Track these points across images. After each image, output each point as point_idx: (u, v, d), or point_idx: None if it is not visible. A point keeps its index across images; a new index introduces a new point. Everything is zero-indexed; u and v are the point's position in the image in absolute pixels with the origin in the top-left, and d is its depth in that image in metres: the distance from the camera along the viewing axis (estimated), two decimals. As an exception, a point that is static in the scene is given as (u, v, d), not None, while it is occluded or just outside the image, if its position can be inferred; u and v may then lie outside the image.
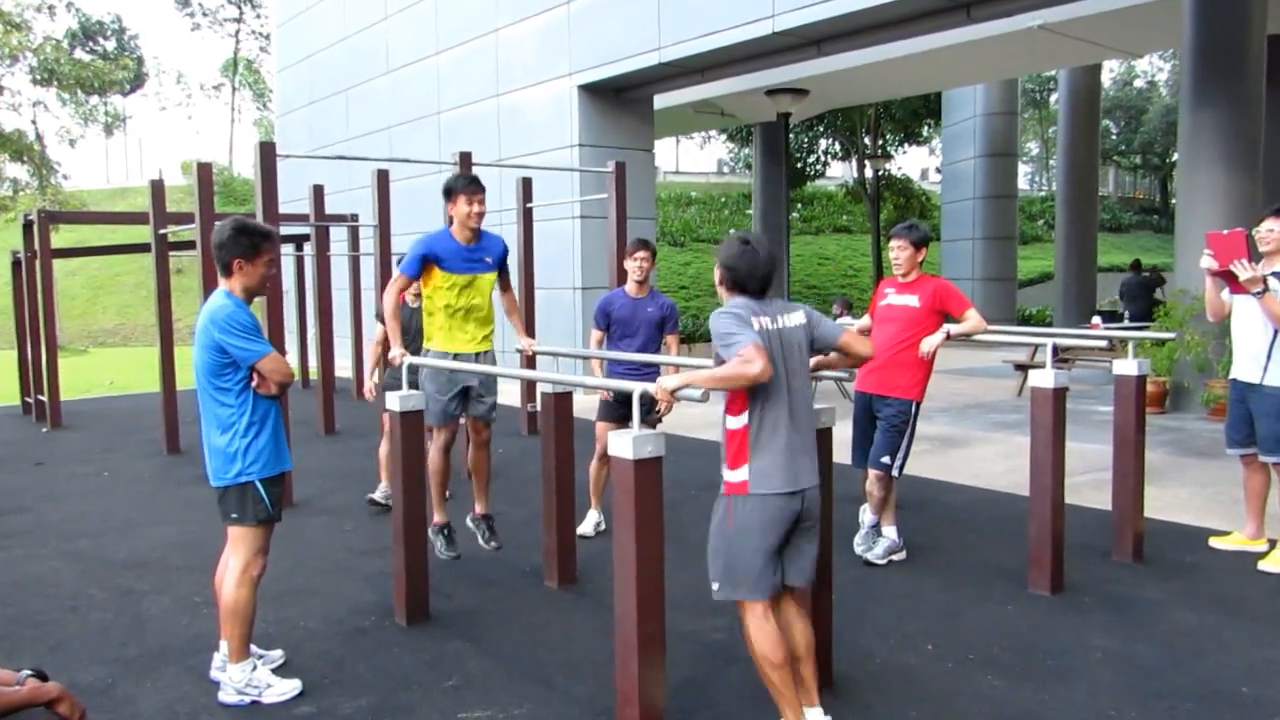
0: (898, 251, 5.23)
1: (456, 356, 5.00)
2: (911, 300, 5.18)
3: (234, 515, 3.70)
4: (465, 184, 4.95)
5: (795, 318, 3.29)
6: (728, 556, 3.22)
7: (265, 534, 3.77)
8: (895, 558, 5.32)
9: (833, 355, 3.48)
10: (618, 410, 5.63)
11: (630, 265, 5.79)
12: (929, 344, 5.08)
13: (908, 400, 5.17)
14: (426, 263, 4.96)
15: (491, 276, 5.15)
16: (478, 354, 5.10)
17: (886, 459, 5.18)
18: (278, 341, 6.88)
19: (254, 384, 3.67)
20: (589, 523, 5.85)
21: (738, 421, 3.17)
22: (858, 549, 5.29)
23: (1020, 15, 10.56)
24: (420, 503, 4.59)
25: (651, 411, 4.95)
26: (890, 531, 5.36)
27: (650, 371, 5.45)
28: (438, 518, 5.23)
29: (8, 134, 24.52)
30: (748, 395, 3.15)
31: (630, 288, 5.80)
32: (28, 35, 23.83)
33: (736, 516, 3.18)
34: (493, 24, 14.35)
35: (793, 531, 3.23)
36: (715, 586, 3.28)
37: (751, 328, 3.09)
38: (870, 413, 5.32)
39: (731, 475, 3.19)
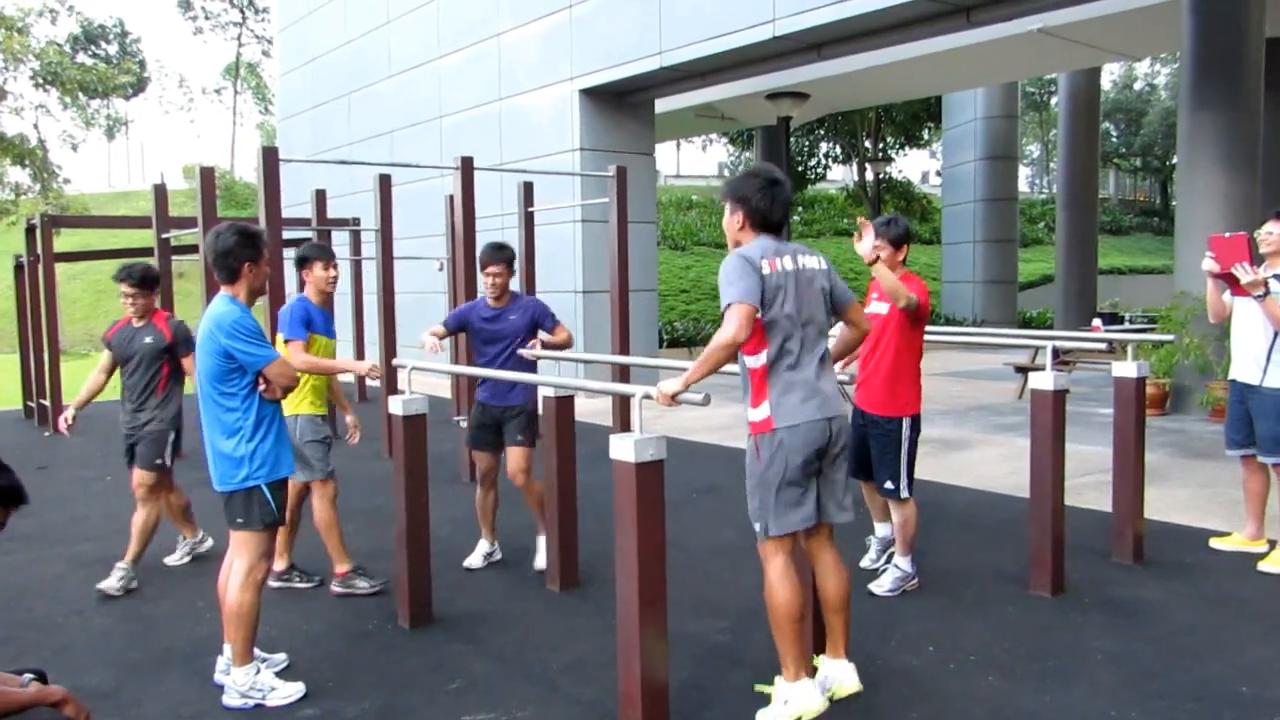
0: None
1: (324, 418, 5.21)
2: (883, 308, 4.69)
3: (239, 520, 3.72)
4: (320, 251, 5.25)
5: (815, 261, 3.29)
6: (761, 493, 3.23)
7: (270, 538, 3.80)
8: (909, 588, 4.87)
9: (837, 329, 3.48)
10: (488, 436, 5.41)
11: (484, 280, 5.42)
12: (864, 246, 4.20)
13: (896, 418, 4.69)
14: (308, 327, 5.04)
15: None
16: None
17: (889, 484, 4.75)
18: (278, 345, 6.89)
19: (259, 388, 3.69)
20: (478, 554, 5.56)
21: (755, 360, 3.19)
22: (863, 563, 5.24)
23: (1020, 19, 10.57)
24: (424, 506, 4.61)
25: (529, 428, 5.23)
26: (905, 563, 4.88)
27: (520, 387, 5.31)
28: (345, 566, 5.10)
29: (10, 138, 24.57)
30: (765, 333, 3.15)
31: (489, 299, 5.41)
32: (29, 39, 23.88)
33: (763, 453, 3.19)
34: (494, 28, 14.38)
35: (821, 463, 3.23)
36: (757, 527, 3.29)
37: (757, 275, 3.08)
38: (862, 429, 4.84)
39: (754, 414, 3.21)
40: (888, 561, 5.10)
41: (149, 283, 5.36)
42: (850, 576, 3.40)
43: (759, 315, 3.15)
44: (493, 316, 5.38)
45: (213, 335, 3.63)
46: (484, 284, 5.44)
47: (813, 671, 3.50)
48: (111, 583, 5.08)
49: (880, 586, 4.83)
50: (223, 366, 3.64)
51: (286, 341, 4.89)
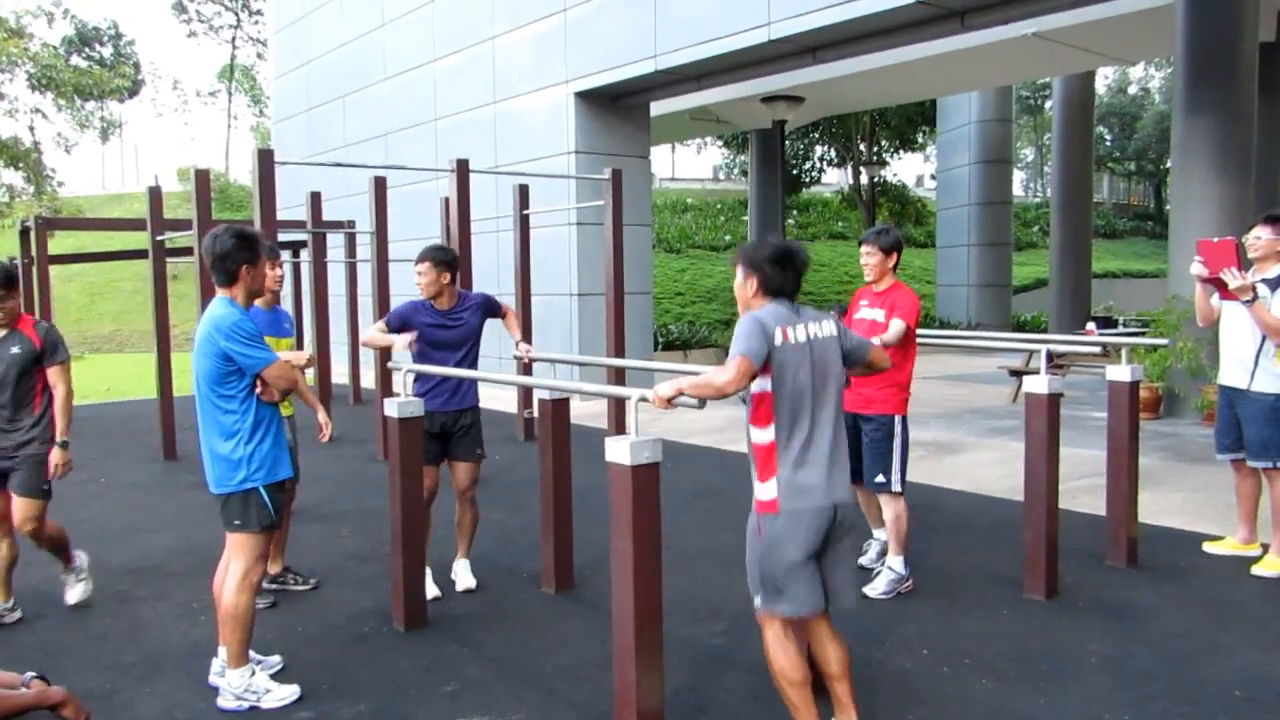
0: (867, 257, 4.98)
1: (286, 419, 4.90)
2: (878, 315, 4.89)
3: (237, 522, 3.72)
4: (271, 251, 5.04)
5: (828, 328, 3.23)
6: (762, 571, 3.15)
7: (267, 540, 3.80)
8: (902, 590, 4.92)
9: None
10: (436, 448, 5.01)
11: (418, 282, 5.04)
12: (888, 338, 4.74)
13: (888, 415, 4.88)
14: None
15: (289, 341, 5.20)
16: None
17: (880, 477, 4.90)
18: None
19: (257, 391, 3.69)
20: (432, 584, 4.98)
21: (763, 435, 3.12)
22: (860, 559, 5.25)
23: (1014, 23, 10.61)
24: (419, 508, 4.61)
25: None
26: (898, 564, 4.95)
27: (472, 389, 5.12)
28: (272, 568, 5.06)
29: (4, 140, 24.52)
30: (774, 407, 3.10)
31: (436, 301, 5.05)
32: (25, 42, 23.84)
33: (766, 532, 3.13)
34: (490, 31, 14.39)
35: (828, 546, 3.17)
36: (756, 601, 3.24)
37: (766, 341, 3.05)
38: (855, 432, 4.96)
39: (760, 491, 3.12)
40: (891, 587, 5.04)
41: (10, 283, 4.61)
42: (849, 645, 3.35)
43: (767, 390, 3.09)
44: (443, 321, 5.03)
45: (211, 338, 3.62)
46: (419, 284, 5.04)
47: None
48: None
49: (874, 589, 4.87)
50: (221, 369, 3.64)
51: None
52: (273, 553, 5.09)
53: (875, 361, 3.43)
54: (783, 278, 3.18)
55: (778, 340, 3.07)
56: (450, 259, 5.04)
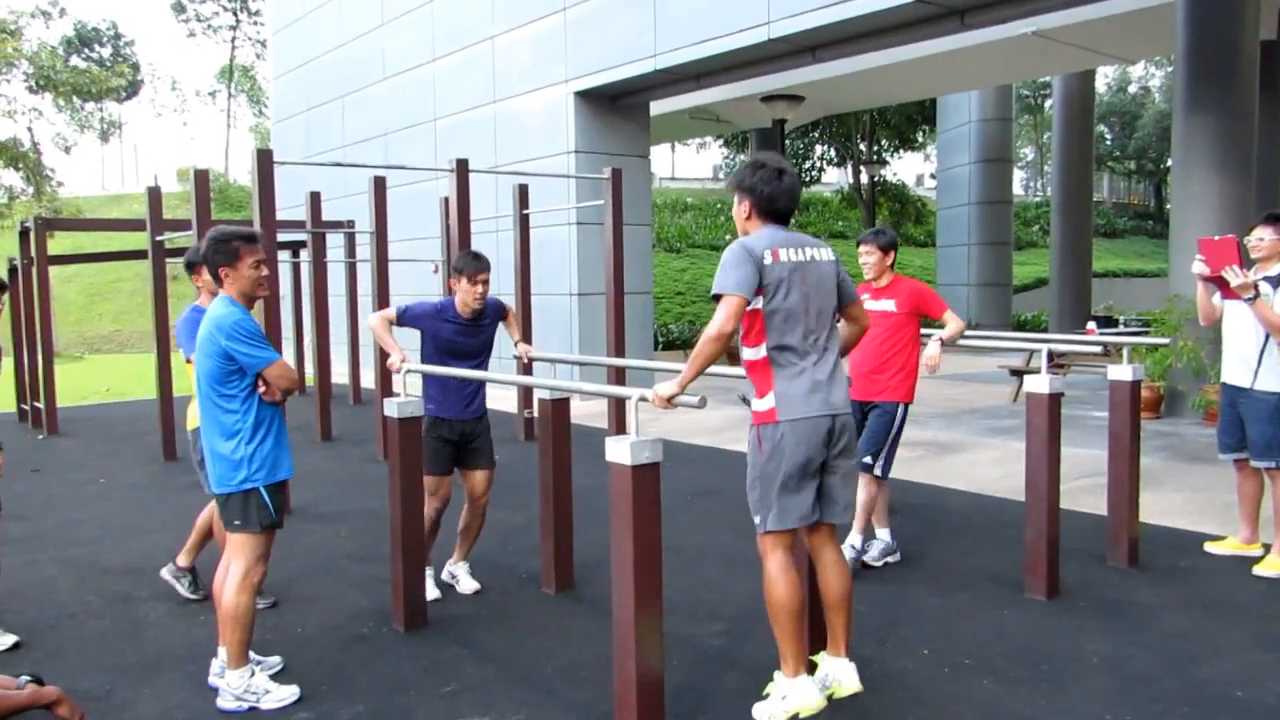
0: (866, 256, 5.23)
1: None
2: (888, 305, 5.15)
3: (237, 522, 3.71)
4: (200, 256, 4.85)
5: (826, 253, 3.23)
6: (761, 485, 3.18)
7: (267, 540, 3.78)
8: (890, 560, 5.35)
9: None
10: (450, 456, 4.96)
11: (470, 290, 4.84)
12: (932, 358, 5.09)
13: (895, 402, 5.15)
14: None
15: None
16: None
17: (868, 458, 5.13)
18: (274, 346, 6.88)
19: (260, 390, 3.68)
20: (434, 585, 4.99)
21: (755, 352, 3.15)
22: (847, 554, 5.28)
23: (1014, 22, 10.60)
24: (419, 509, 4.60)
25: None
26: (884, 534, 5.38)
27: (482, 396, 5.03)
28: (183, 560, 5.03)
29: (3, 141, 24.51)
30: (766, 325, 3.11)
31: (465, 310, 4.90)
32: (22, 41, 23.82)
33: (765, 444, 3.13)
34: (489, 31, 14.38)
35: (825, 459, 3.19)
36: (756, 520, 3.25)
37: (754, 266, 3.03)
38: (861, 418, 5.23)
39: (758, 404, 3.15)
40: (882, 556, 5.33)
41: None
42: (851, 575, 3.38)
43: (758, 307, 3.11)
44: (468, 328, 4.93)
45: (213, 337, 3.62)
46: (469, 295, 4.86)
47: (812, 669, 3.49)
48: None
49: (869, 556, 5.28)
50: (222, 368, 3.63)
51: (187, 360, 4.64)
52: (190, 545, 5.07)
53: (857, 315, 3.44)
54: (777, 197, 3.16)
55: (767, 260, 3.07)
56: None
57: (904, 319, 5.14)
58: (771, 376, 3.12)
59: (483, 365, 5.06)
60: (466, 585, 5.13)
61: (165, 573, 5.09)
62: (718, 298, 3.12)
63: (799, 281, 3.11)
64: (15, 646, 4.19)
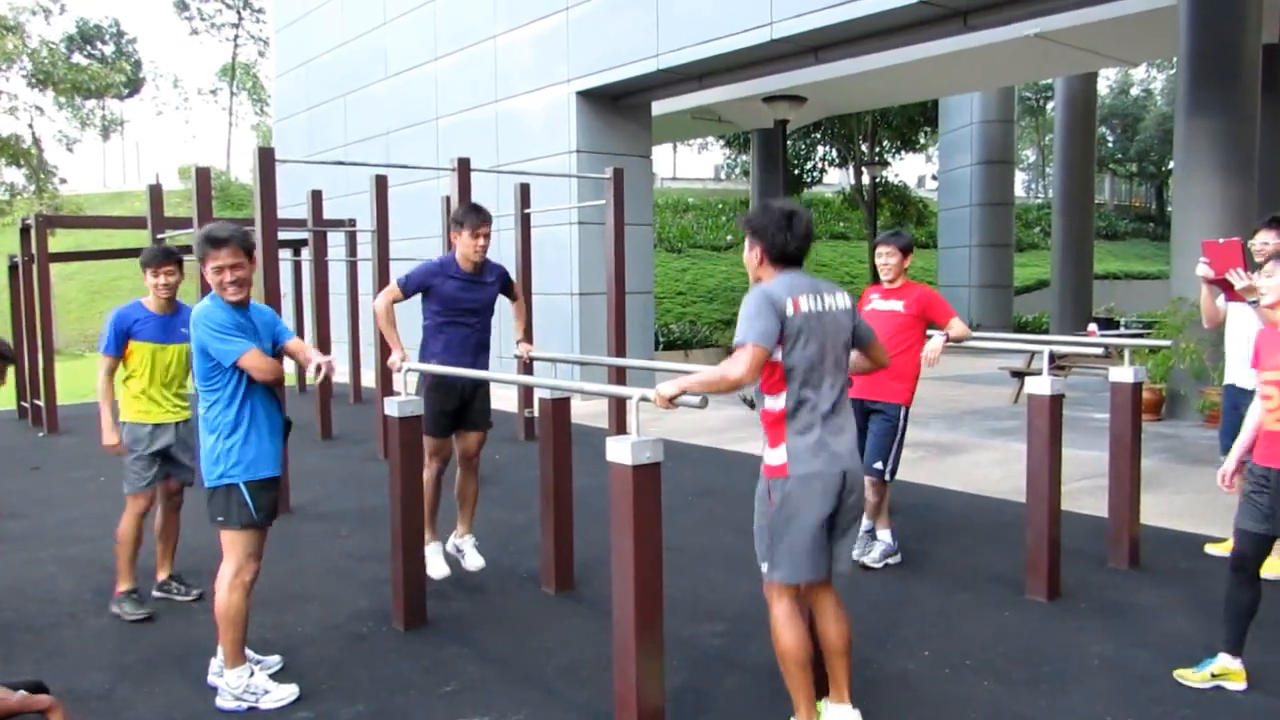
0: (886, 258, 5.26)
1: (157, 426, 4.81)
2: (897, 306, 5.20)
3: (220, 518, 3.73)
4: (151, 255, 4.81)
5: (841, 300, 3.21)
6: (770, 536, 3.16)
7: (254, 538, 3.77)
8: (891, 561, 5.35)
9: (853, 356, 3.46)
10: (451, 418, 5.02)
11: (470, 244, 4.88)
12: (933, 350, 5.07)
13: (897, 404, 5.20)
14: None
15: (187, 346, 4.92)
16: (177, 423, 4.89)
17: (879, 464, 5.20)
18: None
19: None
20: (443, 560, 5.13)
21: (774, 402, 3.12)
22: (853, 554, 5.29)
23: (1017, 23, 10.59)
24: (418, 507, 4.60)
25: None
26: (885, 535, 5.38)
27: (483, 356, 5.03)
28: (123, 585, 4.80)
29: (4, 138, 24.52)
30: (785, 376, 3.10)
31: (467, 264, 4.96)
32: (22, 38, 23.82)
33: (775, 496, 3.12)
34: (491, 30, 14.38)
35: (836, 514, 3.19)
36: (764, 568, 3.24)
37: (777, 317, 3.02)
38: (863, 418, 5.30)
39: (770, 457, 3.13)
40: (883, 557, 5.35)
41: None
42: (851, 621, 3.36)
43: (778, 359, 3.09)
44: (469, 282, 4.90)
45: (194, 333, 3.69)
46: (469, 248, 4.88)
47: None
48: None
49: (869, 558, 5.29)
50: (204, 363, 3.69)
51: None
52: (160, 559, 5.04)
53: (876, 352, 3.43)
54: (788, 243, 3.13)
55: (789, 311, 3.03)
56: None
57: (910, 321, 5.16)
58: (785, 430, 3.10)
59: (486, 325, 5.08)
60: (472, 561, 5.13)
61: (155, 593, 5.04)
62: (740, 345, 3.09)
63: (818, 333, 3.09)
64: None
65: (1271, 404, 3.62)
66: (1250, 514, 3.67)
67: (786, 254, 3.14)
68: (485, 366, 5.13)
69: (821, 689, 3.34)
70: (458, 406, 5.06)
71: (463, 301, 4.93)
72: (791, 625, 3.17)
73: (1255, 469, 3.67)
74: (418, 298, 5.04)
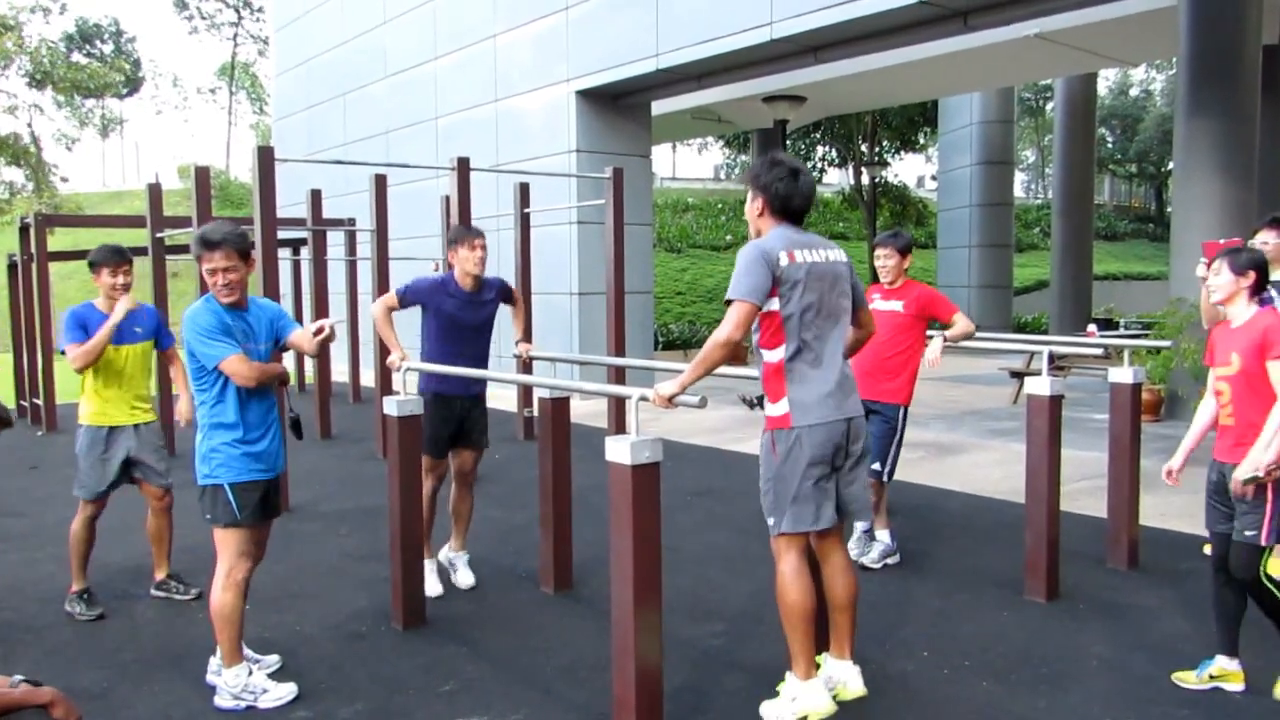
0: (885, 259, 5.26)
1: (113, 430, 4.81)
2: (896, 306, 5.20)
3: (208, 516, 3.75)
4: (111, 256, 4.83)
5: (838, 254, 3.22)
6: (776, 489, 3.17)
7: (244, 537, 3.76)
8: (890, 561, 5.35)
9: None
10: (450, 435, 5.00)
11: (468, 257, 4.87)
12: (934, 351, 5.10)
13: (896, 405, 5.20)
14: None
15: (146, 346, 4.99)
16: (137, 425, 4.90)
17: (877, 465, 5.19)
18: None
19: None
20: (438, 578, 5.06)
21: (773, 355, 3.13)
22: (851, 554, 5.30)
23: (1017, 24, 10.59)
24: (416, 508, 4.59)
25: None
26: (884, 535, 5.38)
27: (479, 385, 5.03)
28: (76, 585, 4.80)
29: (4, 137, 24.50)
30: (782, 325, 3.10)
31: (466, 281, 4.93)
32: (20, 36, 23.81)
33: (779, 448, 3.12)
34: (491, 29, 14.37)
35: (840, 463, 3.18)
36: (770, 522, 3.24)
37: (768, 269, 3.02)
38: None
39: (772, 409, 3.14)
40: (881, 557, 5.35)
41: None
42: (858, 577, 3.37)
43: (774, 309, 3.10)
44: (470, 302, 4.91)
45: (184, 334, 3.71)
46: (468, 261, 4.87)
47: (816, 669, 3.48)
48: None
49: (868, 558, 5.30)
50: (193, 364, 3.71)
51: (62, 351, 4.71)
52: (156, 559, 5.05)
53: (865, 319, 3.42)
54: (791, 197, 3.14)
55: (783, 262, 3.05)
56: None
57: (910, 321, 5.16)
58: (786, 381, 3.10)
59: (485, 342, 5.06)
60: (464, 578, 5.13)
61: (155, 591, 5.06)
62: (729, 302, 3.11)
63: (814, 283, 3.10)
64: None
65: (1223, 399, 3.63)
66: (1215, 516, 3.69)
67: (789, 207, 3.15)
68: (483, 385, 5.13)
69: (822, 644, 3.34)
70: (455, 430, 5.03)
71: (461, 321, 4.92)
72: (798, 580, 3.18)
73: (1213, 465, 3.69)
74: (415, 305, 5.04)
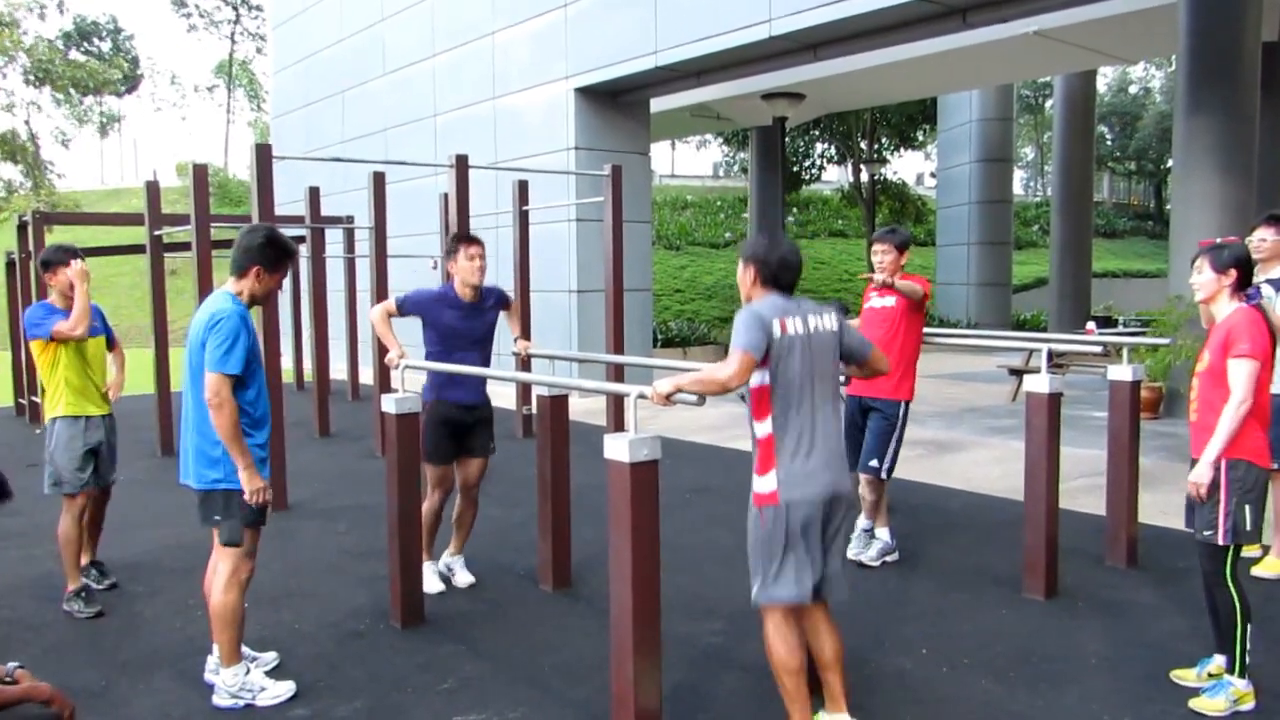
0: (882, 256, 5.24)
1: (89, 419, 4.91)
2: (889, 300, 5.22)
3: (216, 518, 3.68)
4: (66, 255, 4.94)
5: (829, 321, 3.25)
6: (761, 557, 3.18)
7: (252, 538, 3.76)
8: (889, 559, 5.35)
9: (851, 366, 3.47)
10: (455, 443, 4.99)
11: (467, 266, 4.85)
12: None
13: (896, 401, 5.20)
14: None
15: (101, 340, 5.12)
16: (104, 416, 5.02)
17: (875, 462, 5.20)
18: (272, 342, 6.86)
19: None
20: (439, 579, 5.09)
21: (762, 427, 3.14)
22: (851, 552, 5.30)
23: (1016, 21, 10.58)
24: (416, 504, 4.59)
25: None
26: (884, 533, 5.38)
27: (484, 382, 5.02)
28: (72, 584, 4.80)
29: (1, 134, 24.46)
30: (771, 401, 3.12)
31: (466, 292, 4.91)
32: (18, 34, 23.77)
33: (767, 523, 3.15)
34: (489, 27, 14.36)
35: (825, 535, 3.20)
36: (754, 587, 3.25)
37: (765, 333, 3.06)
38: (861, 416, 5.33)
39: (760, 484, 3.15)
40: (880, 555, 5.34)
41: None
42: (842, 635, 3.36)
43: (765, 383, 3.12)
44: (470, 312, 4.90)
45: (204, 328, 3.62)
46: (467, 271, 4.84)
47: None
48: None
49: (867, 556, 5.30)
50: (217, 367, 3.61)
51: (31, 340, 4.87)
52: (85, 546, 5.05)
53: (874, 362, 3.44)
54: (780, 272, 3.20)
55: (776, 332, 3.09)
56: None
57: (901, 313, 5.17)
58: (774, 455, 3.12)
59: (485, 352, 5.04)
60: (463, 579, 5.13)
61: (64, 603, 4.87)
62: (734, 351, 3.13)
63: (803, 356, 3.13)
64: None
65: (1192, 395, 3.65)
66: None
67: (779, 281, 3.21)
68: (485, 393, 5.10)
69: (819, 700, 3.34)
70: (459, 438, 5.00)
71: (461, 332, 4.89)
72: (783, 637, 3.19)
73: (1191, 462, 3.71)
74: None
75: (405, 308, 4.90)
